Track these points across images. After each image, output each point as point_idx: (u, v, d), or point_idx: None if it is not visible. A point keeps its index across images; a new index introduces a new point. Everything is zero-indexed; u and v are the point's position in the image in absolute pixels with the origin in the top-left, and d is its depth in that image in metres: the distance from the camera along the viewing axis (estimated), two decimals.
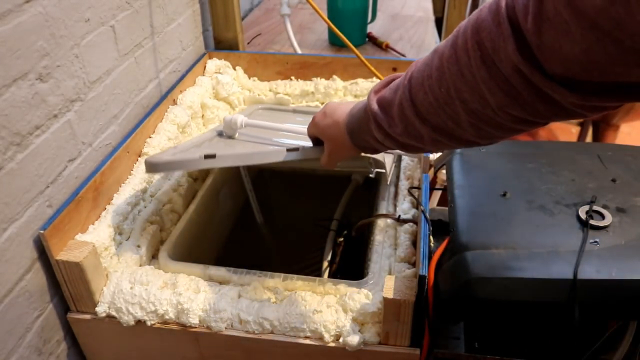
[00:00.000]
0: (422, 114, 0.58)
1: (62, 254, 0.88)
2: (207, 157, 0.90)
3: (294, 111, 1.39)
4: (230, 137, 1.08)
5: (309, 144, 0.86)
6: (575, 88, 0.45)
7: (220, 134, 1.10)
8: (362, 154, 0.83)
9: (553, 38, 0.42)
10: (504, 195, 0.88)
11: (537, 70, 0.46)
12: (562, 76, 0.45)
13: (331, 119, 0.76)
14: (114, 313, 0.91)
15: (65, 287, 0.91)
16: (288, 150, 0.86)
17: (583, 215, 0.82)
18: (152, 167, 0.97)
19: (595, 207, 0.84)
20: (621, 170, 0.93)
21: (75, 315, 0.94)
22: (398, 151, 1.12)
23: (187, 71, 1.39)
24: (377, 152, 0.74)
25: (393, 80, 0.64)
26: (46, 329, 0.92)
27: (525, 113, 0.51)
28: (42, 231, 0.85)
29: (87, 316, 0.93)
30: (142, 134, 1.15)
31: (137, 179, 1.09)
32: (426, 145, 0.63)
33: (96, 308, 0.92)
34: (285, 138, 1.02)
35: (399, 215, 1.03)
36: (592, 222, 0.81)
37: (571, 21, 0.40)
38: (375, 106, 0.65)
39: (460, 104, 0.54)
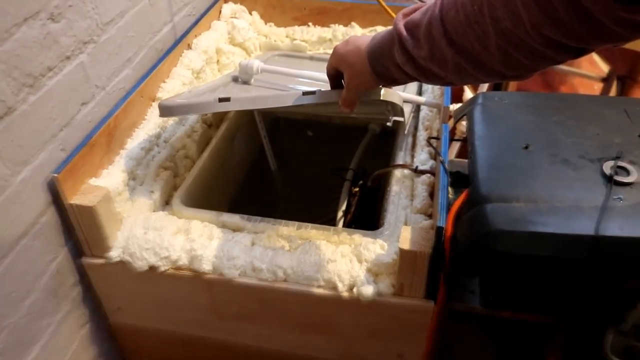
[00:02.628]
0: (449, 34, 0.57)
1: (76, 198, 0.87)
2: (221, 100, 0.88)
3: (311, 58, 1.35)
4: (246, 82, 1.06)
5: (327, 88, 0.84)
6: None
7: (235, 79, 1.08)
8: (381, 98, 0.81)
9: None
10: (526, 147, 0.86)
11: None
12: None
13: (353, 45, 0.74)
14: (127, 258, 0.91)
15: (80, 231, 0.91)
16: (304, 93, 0.84)
17: (607, 171, 0.80)
18: (166, 110, 0.95)
19: (620, 163, 0.81)
20: None
21: (89, 259, 0.95)
22: (414, 97, 1.09)
23: (202, 15, 1.36)
24: (394, 82, 0.72)
25: (423, 6, 0.62)
26: (61, 272, 0.92)
27: (560, 34, 0.48)
28: (55, 174, 0.85)
29: (101, 260, 0.94)
30: (156, 79, 1.13)
31: (151, 124, 1.07)
32: (448, 74, 0.61)
33: (110, 253, 0.92)
34: (301, 85, 1.00)
35: (417, 166, 1.01)
36: (616, 177, 0.78)
37: None
38: (401, 27, 0.63)
39: (491, 23, 0.52)
